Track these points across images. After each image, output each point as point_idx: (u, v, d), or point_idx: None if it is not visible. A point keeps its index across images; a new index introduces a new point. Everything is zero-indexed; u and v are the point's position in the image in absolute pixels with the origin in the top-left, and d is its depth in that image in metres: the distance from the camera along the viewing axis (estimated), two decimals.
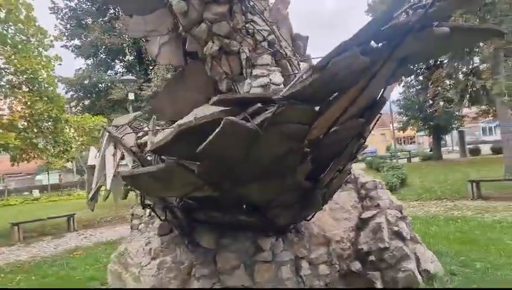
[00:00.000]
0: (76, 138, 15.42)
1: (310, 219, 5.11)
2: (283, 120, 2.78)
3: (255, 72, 5.45)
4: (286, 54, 5.81)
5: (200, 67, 6.36)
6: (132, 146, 6.29)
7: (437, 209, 12.18)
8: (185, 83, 6.44)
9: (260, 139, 2.87)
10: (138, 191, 4.50)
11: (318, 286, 5.54)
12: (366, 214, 5.95)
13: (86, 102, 24.97)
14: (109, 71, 26.16)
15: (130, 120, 6.71)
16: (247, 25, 5.62)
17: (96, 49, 24.72)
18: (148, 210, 5.71)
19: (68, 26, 26.05)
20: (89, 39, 23.92)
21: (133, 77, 16.72)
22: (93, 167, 6.39)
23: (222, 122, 2.69)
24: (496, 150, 29.63)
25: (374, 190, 6.13)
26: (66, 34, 25.36)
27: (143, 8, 5.71)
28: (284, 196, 4.09)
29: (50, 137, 14.02)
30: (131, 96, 16.21)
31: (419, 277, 5.51)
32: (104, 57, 25.77)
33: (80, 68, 25.95)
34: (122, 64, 26.61)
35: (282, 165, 3.41)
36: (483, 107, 27.30)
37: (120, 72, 25.76)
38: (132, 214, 6.20)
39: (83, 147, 15.68)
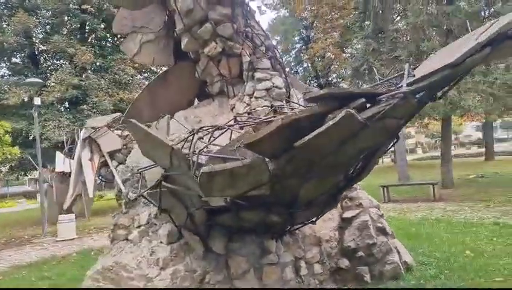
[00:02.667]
0: None
1: (316, 220, 5.30)
2: (392, 115, 2.95)
3: (258, 75, 5.50)
4: (280, 60, 5.97)
5: (186, 68, 6.17)
6: (120, 149, 5.83)
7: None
8: (168, 85, 6.18)
9: (363, 132, 3.00)
10: (197, 190, 4.08)
11: (314, 284, 5.74)
12: (349, 213, 6.33)
13: None
14: None
15: (109, 122, 6.18)
16: (247, 29, 5.64)
17: None
18: (143, 219, 5.29)
19: None
20: None
21: (40, 80, 14.99)
22: (61, 174, 5.71)
23: (343, 114, 2.75)
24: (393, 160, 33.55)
25: (354, 191, 6.57)
26: None
27: (135, 2, 5.35)
28: (325, 194, 4.23)
29: None
30: (37, 100, 14.47)
31: (402, 268, 6.08)
32: None
33: None
34: (7, 65, 23.54)
35: (351, 161, 3.57)
36: None
37: (6, 74, 22.76)
38: (115, 225, 5.64)
39: None
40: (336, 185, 4.13)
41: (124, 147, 6.09)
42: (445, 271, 5.99)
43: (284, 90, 5.55)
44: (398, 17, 19.52)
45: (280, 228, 5.23)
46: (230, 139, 4.52)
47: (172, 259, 4.83)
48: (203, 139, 4.22)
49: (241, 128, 4.46)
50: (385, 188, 15.01)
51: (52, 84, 19.38)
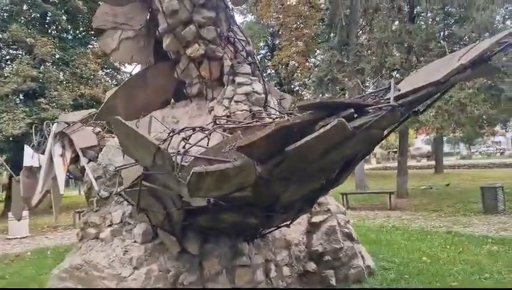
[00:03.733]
0: None
1: (290, 224, 5.45)
2: (378, 126, 3.15)
3: (238, 79, 5.59)
4: (259, 66, 6.10)
5: (165, 68, 6.16)
6: (95, 146, 5.72)
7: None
8: (146, 83, 6.14)
9: (350, 140, 3.18)
10: (183, 190, 4.06)
11: (282, 287, 5.89)
12: (317, 219, 6.54)
13: None
14: None
15: (84, 117, 6.04)
16: (229, 33, 5.73)
17: None
18: (117, 217, 5.22)
19: None
20: None
21: None
22: (29, 169, 5.54)
23: (335, 122, 2.91)
24: None
25: (323, 196, 6.79)
26: None
27: None
28: (305, 198, 4.38)
29: None
30: None
31: (365, 272, 6.36)
32: None
33: None
34: None
35: (334, 167, 3.74)
36: None
37: None
38: (85, 223, 5.51)
39: None
40: (315, 189, 4.29)
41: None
42: (405, 276, 6.32)
43: (263, 96, 5.67)
44: (361, 32, 20.21)
45: (255, 230, 5.35)
46: (208, 141, 4.60)
47: (146, 259, 4.81)
48: (187, 139, 4.25)
49: (224, 130, 4.53)
50: (345, 196, 15.48)
51: (8, 74, 18.45)
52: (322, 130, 2.98)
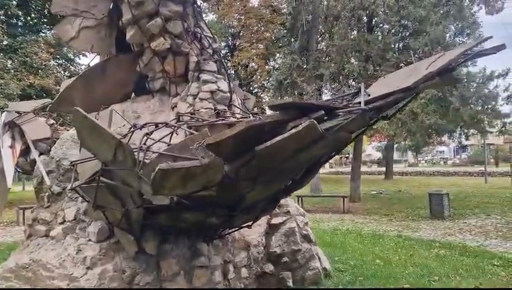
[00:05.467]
0: None
1: (252, 224, 5.41)
2: (347, 128, 3.17)
3: (204, 77, 5.48)
4: (224, 64, 6.03)
5: (126, 60, 5.94)
6: (48, 138, 5.43)
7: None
8: (105, 75, 5.89)
9: (319, 142, 3.19)
10: (146, 188, 3.85)
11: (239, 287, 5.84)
12: (277, 220, 6.54)
13: None
14: None
15: (36, 107, 5.69)
16: (196, 29, 5.62)
17: None
18: (70, 214, 4.94)
19: None
20: None
21: None
22: None
23: (307, 123, 2.91)
24: None
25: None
26: None
27: None
28: (268, 199, 4.35)
29: None
30: None
31: (321, 274, 6.43)
32: None
33: None
34: None
35: (300, 168, 3.74)
36: None
37: None
38: (34, 219, 5.17)
39: None
40: (279, 190, 4.28)
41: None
42: (359, 278, 6.47)
43: (228, 94, 5.60)
44: (321, 38, 20.61)
45: (215, 230, 5.26)
46: (171, 138, 4.47)
47: (101, 258, 4.59)
48: (149, 135, 4.10)
49: (190, 128, 4.41)
50: (300, 199, 15.68)
51: None
52: (293, 130, 2.96)
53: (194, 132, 4.10)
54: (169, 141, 4.37)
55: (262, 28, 35.07)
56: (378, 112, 3.28)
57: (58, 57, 23.16)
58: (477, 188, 21.65)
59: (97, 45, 5.79)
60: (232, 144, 3.10)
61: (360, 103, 3.26)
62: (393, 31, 16.95)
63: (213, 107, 5.45)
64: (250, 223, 5.19)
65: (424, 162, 64.95)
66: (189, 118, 5.18)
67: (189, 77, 5.61)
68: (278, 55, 35.72)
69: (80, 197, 4.93)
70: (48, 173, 5.39)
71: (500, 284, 5.99)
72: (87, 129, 3.80)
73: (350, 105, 3.34)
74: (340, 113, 3.21)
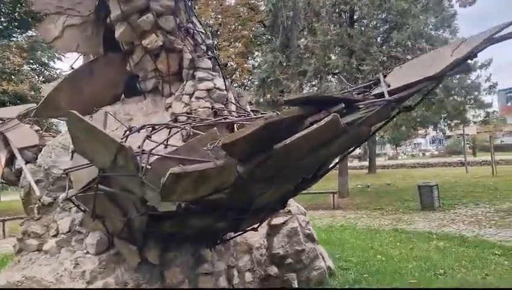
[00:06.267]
0: None
1: (258, 227, 5.20)
2: (369, 121, 2.99)
3: (199, 74, 5.22)
4: (218, 61, 5.79)
5: (115, 60, 5.63)
6: (36, 145, 5.10)
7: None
8: (93, 76, 5.57)
9: (340, 138, 3.00)
10: (151, 194, 3.53)
11: None
12: (278, 220, 6.33)
13: None
14: None
15: (20, 113, 5.33)
16: (188, 25, 5.36)
17: None
18: (64, 226, 4.61)
19: None
20: None
21: None
22: None
23: (330, 118, 2.71)
24: None
25: None
26: None
27: None
28: (278, 200, 4.15)
29: None
30: None
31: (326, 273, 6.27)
32: None
33: None
34: None
35: (317, 165, 3.55)
36: None
37: None
38: (24, 233, 4.82)
39: None
40: (290, 189, 4.08)
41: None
42: (365, 275, 6.34)
43: (225, 92, 5.36)
44: (303, 35, 20.51)
45: (220, 235, 5.02)
46: (167, 140, 4.22)
47: (101, 271, 4.29)
48: (150, 137, 3.84)
49: (193, 128, 4.16)
50: None
51: None
52: (315, 126, 2.76)
53: (199, 132, 3.86)
54: (166, 143, 4.14)
55: (240, 27, 34.80)
56: (399, 103, 3.11)
57: (31, 61, 22.34)
58: (460, 178, 21.97)
59: (83, 44, 5.45)
60: (248, 143, 2.88)
61: (380, 94, 3.08)
62: (375, 24, 16.98)
63: (210, 106, 5.20)
64: (256, 226, 4.98)
65: (403, 154, 65.99)
66: (185, 118, 4.94)
67: (183, 75, 5.34)
68: (256, 53, 35.54)
69: (74, 208, 4.63)
70: (36, 182, 5.04)
71: (506, 274, 5.95)
72: (83, 133, 3.51)
73: (369, 97, 3.16)
74: (361, 106, 3.03)
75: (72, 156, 4.42)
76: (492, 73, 17.32)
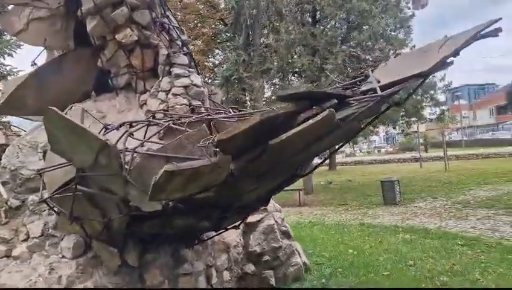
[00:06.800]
0: None
1: (239, 225, 5.16)
2: (360, 117, 3.03)
3: (176, 71, 5.10)
4: (194, 58, 5.69)
5: (84, 55, 5.39)
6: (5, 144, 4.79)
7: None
8: (61, 73, 5.31)
9: (333, 133, 3.03)
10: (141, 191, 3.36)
11: None
12: (253, 218, 6.31)
13: None
14: None
15: None
16: (163, 20, 5.23)
17: None
18: (35, 230, 4.36)
19: None
20: None
21: None
22: None
23: (326, 113, 2.73)
24: None
25: None
26: None
27: None
28: (263, 197, 4.12)
29: None
30: None
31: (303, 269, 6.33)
32: None
33: None
34: None
35: (308, 160, 3.56)
36: None
37: None
38: None
39: None
40: (275, 187, 4.07)
41: None
42: (339, 269, 6.46)
43: (202, 89, 5.26)
44: (266, 33, 20.60)
45: (200, 234, 4.94)
46: (144, 136, 4.09)
47: (79, 276, 4.09)
48: (133, 135, 3.70)
49: (176, 124, 4.05)
50: None
51: None
52: (311, 122, 2.76)
53: (181, 128, 3.76)
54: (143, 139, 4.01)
55: (199, 24, 34.42)
56: (387, 99, 3.18)
57: None
58: (416, 173, 22.90)
59: (51, 39, 5.17)
60: (243, 139, 2.83)
61: (370, 90, 3.14)
62: (334, 24, 17.33)
63: (188, 103, 5.09)
64: (237, 224, 4.94)
65: (359, 152, 67.88)
66: (162, 115, 4.81)
67: (159, 71, 5.18)
68: (216, 51, 35.31)
69: (46, 210, 4.40)
70: (2, 184, 4.74)
71: (471, 263, 6.25)
72: (62, 131, 3.32)
73: (358, 93, 3.21)
74: (352, 102, 3.07)
75: (44, 156, 4.20)
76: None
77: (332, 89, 3.42)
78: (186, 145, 3.29)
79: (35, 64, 5.65)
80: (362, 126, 3.47)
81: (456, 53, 2.92)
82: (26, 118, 5.72)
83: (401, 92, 3.38)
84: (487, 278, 5.53)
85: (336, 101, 2.99)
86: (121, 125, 4.02)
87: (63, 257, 4.16)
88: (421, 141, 52.72)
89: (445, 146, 24.96)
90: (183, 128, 3.82)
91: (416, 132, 32.70)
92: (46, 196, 3.89)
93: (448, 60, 2.90)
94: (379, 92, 2.90)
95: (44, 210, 4.36)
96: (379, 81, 3.14)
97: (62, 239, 4.22)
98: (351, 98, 3.01)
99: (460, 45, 2.89)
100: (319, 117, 2.74)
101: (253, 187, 3.52)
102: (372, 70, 3.37)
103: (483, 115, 71.56)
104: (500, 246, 6.95)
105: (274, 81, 21.12)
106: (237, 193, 3.58)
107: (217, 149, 2.95)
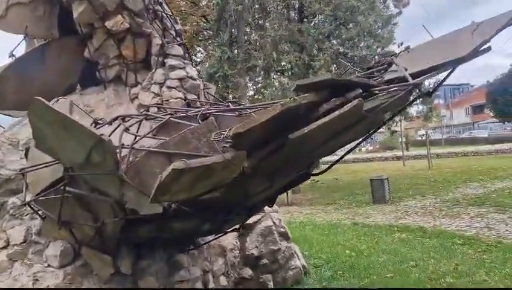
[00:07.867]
0: None
1: (239, 228, 4.86)
2: (389, 108, 2.76)
3: (170, 62, 4.74)
4: (188, 49, 5.33)
5: (70, 45, 4.98)
6: None
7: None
8: (44, 63, 4.88)
9: (358, 125, 2.75)
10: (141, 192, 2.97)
11: None
12: (251, 219, 5.99)
13: None
14: None
15: None
16: (156, 7, 4.86)
17: None
18: (17, 236, 3.93)
19: None
20: None
21: None
22: None
23: (355, 103, 2.44)
24: None
25: None
26: None
27: None
28: (269, 197, 3.81)
29: None
30: None
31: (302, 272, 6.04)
32: None
33: None
34: None
35: (326, 155, 3.28)
36: None
37: None
38: None
39: None
40: (284, 186, 3.76)
41: None
42: (339, 271, 6.19)
43: (198, 82, 4.92)
44: (252, 30, 20.27)
45: (198, 238, 4.60)
46: (137, 132, 3.73)
47: (67, 287, 3.69)
48: (129, 130, 3.33)
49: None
50: None
51: None
52: (337, 113, 2.47)
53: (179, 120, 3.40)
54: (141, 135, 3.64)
55: (181, 22, 33.82)
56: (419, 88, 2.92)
57: None
58: (400, 172, 22.95)
59: (33, 26, 4.72)
60: (261, 132, 2.52)
61: (397, 78, 2.86)
62: (323, 20, 17.11)
63: (183, 96, 4.73)
64: (238, 226, 4.62)
65: (340, 150, 68.08)
66: (156, 109, 4.44)
67: (152, 62, 4.81)
68: (198, 49, 34.78)
69: (28, 214, 3.98)
70: None
71: (474, 263, 6.08)
72: (49, 125, 2.93)
73: (382, 82, 2.93)
74: (377, 92, 2.79)
75: (26, 154, 3.79)
76: None
77: (356, 77, 3.13)
78: (190, 140, 2.94)
79: (13, 55, 5.16)
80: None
81: (491, 38, 2.68)
82: (4, 114, 5.25)
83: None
84: (494, 279, 5.35)
85: (360, 90, 2.70)
86: (114, 120, 3.65)
87: (49, 265, 3.75)
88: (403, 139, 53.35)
89: (428, 144, 25.14)
90: (181, 123, 3.47)
91: (395, 131, 32.94)
92: (29, 198, 3.50)
93: (485, 46, 2.64)
94: (410, 80, 2.62)
95: (27, 214, 3.94)
96: (406, 69, 2.86)
97: (47, 246, 3.81)
98: (378, 88, 2.72)
99: (497, 29, 2.64)
100: (346, 108, 2.45)
101: (264, 186, 3.21)
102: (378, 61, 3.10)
103: (459, 114, 72.95)
104: (501, 245, 6.81)
105: (257, 79, 20.81)
106: (246, 192, 3.26)
107: (227, 144, 2.62)
